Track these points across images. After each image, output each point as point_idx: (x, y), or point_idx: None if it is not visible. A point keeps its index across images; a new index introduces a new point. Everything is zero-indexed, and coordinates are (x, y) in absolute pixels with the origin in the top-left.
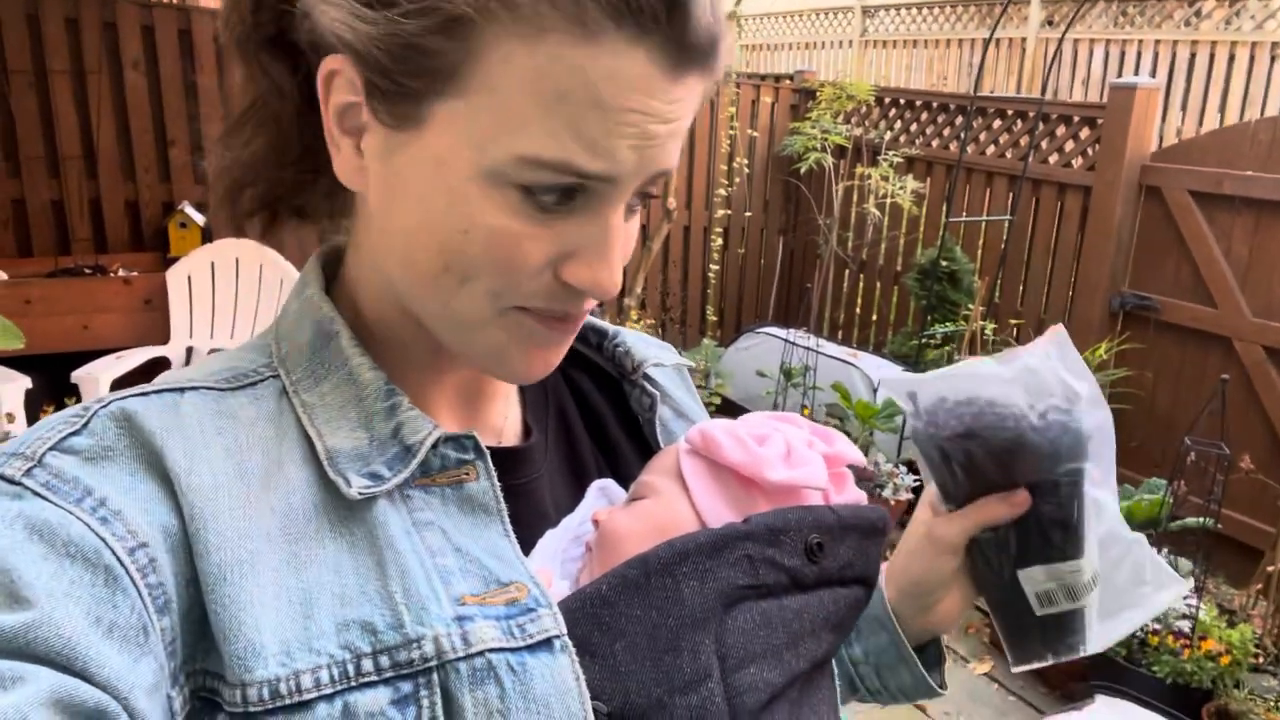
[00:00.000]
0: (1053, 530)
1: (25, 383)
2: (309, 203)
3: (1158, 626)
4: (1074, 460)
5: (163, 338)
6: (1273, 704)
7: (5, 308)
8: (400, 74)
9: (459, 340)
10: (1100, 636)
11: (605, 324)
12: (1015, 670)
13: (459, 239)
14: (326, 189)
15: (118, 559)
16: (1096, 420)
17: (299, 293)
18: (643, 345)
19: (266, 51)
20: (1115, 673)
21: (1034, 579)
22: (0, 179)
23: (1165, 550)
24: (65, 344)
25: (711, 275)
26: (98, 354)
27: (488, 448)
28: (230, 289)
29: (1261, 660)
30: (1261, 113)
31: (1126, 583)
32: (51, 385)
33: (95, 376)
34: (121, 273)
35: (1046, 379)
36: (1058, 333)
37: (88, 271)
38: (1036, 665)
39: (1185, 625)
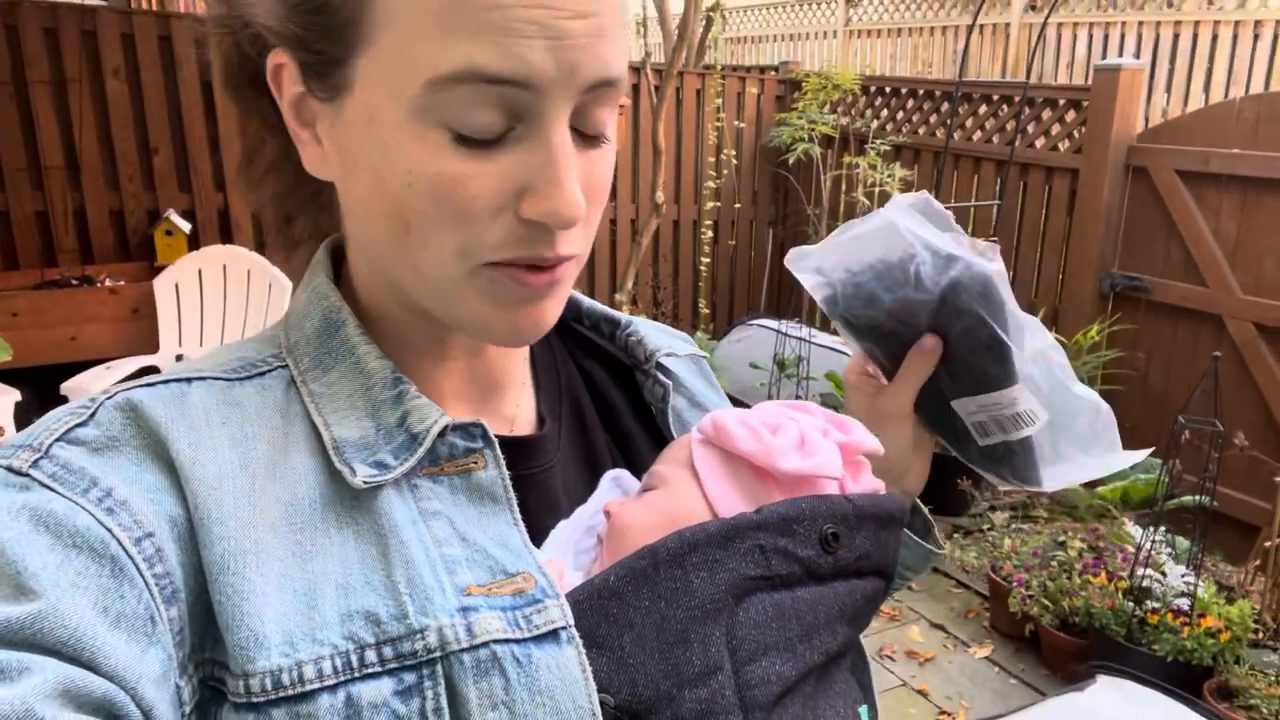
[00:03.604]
0: (967, 366)
1: (14, 395)
2: (334, 218)
3: (1157, 605)
4: (960, 303)
5: (152, 346)
6: (1274, 679)
7: None
8: (318, 41)
9: (440, 308)
10: (1055, 475)
11: (619, 313)
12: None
13: (406, 194)
14: None
15: (124, 549)
16: (969, 266)
17: (308, 282)
18: (656, 335)
19: (252, 86)
20: (1116, 652)
21: (966, 410)
22: None
23: (1163, 529)
24: (54, 355)
25: (702, 268)
26: (87, 365)
27: (499, 437)
28: (219, 295)
29: (1261, 636)
30: (1246, 90)
31: (1085, 435)
32: (41, 397)
33: (85, 387)
34: (108, 282)
35: (906, 234)
36: (912, 199)
37: (74, 282)
38: (1004, 483)
39: (1184, 603)
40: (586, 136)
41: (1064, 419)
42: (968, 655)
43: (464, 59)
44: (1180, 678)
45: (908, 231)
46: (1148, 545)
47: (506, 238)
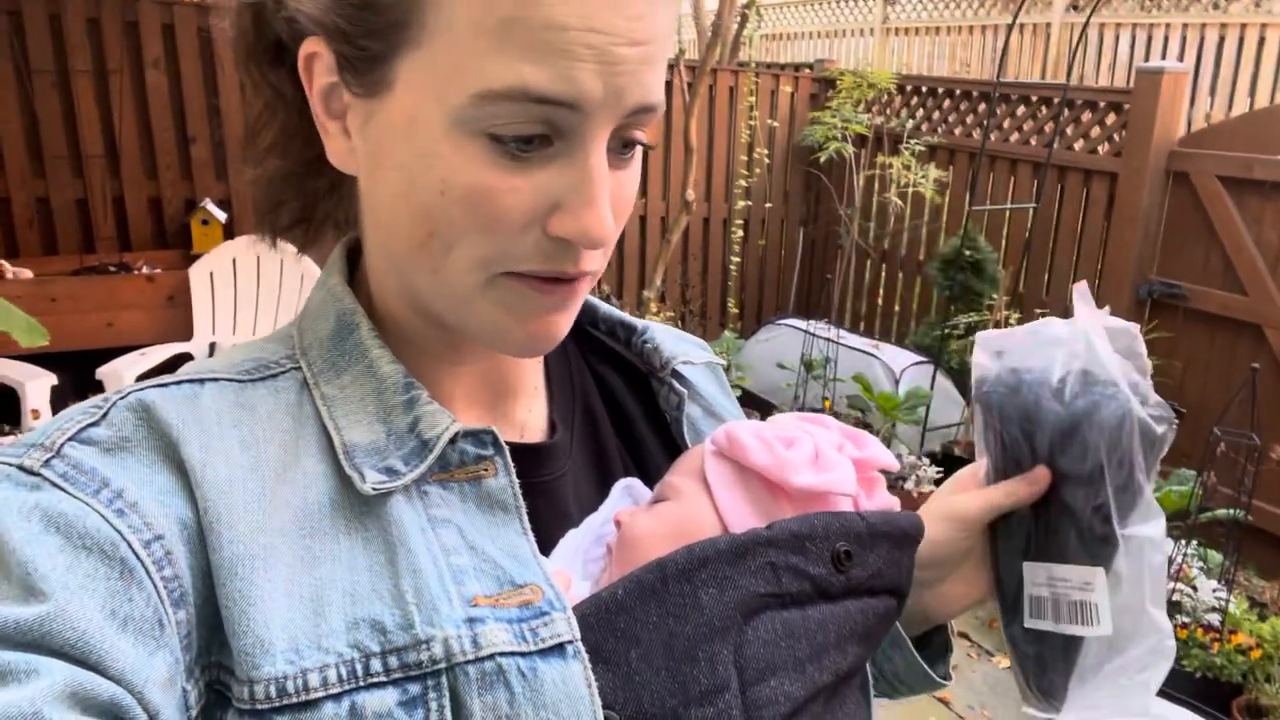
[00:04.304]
0: (1061, 522)
1: (51, 379)
2: (349, 212)
3: (1187, 620)
4: (1087, 438)
5: (186, 334)
6: None
7: (31, 306)
8: (362, 37)
9: (454, 315)
10: (1078, 701)
11: (635, 319)
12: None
13: (437, 200)
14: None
15: (133, 552)
16: (1118, 399)
17: (322, 283)
18: (672, 342)
19: (268, 62)
20: None
21: (1034, 577)
22: (25, 178)
23: (1195, 542)
24: (90, 341)
25: (732, 267)
26: (122, 351)
27: (510, 444)
28: (252, 285)
29: None
30: None
31: (1130, 664)
32: (77, 382)
33: (119, 373)
34: (145, 270)
35: (1080, 341)
36: (1123, 325)
37: (112, 269)
38: (1023, 684)
39: (1215, 619)
40: (618, 158)
41: (1121, 636)
42: (991, 665)
43: (516, 77)
44: (1209, 695)
45: (1084, 337)
46: (1179, 559)
47: (531, 251)
